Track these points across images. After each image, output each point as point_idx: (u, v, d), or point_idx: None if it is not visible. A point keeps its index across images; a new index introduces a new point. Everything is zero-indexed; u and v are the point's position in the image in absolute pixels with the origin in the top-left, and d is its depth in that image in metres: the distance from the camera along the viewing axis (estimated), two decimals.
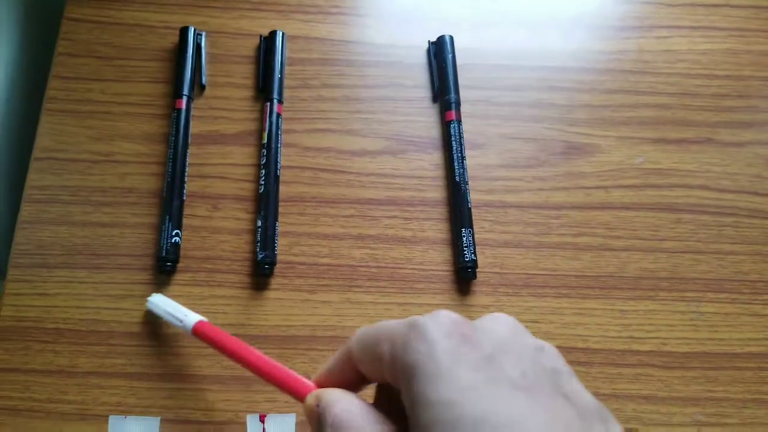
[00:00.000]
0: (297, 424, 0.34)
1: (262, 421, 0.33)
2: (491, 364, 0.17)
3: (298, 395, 0.23)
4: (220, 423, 0.34)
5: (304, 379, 0.23)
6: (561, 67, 0.43)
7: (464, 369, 0.17)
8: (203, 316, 0.36)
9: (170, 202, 0.37)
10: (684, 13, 0.46)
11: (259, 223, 0.37)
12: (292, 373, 0.24)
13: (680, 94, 0.43)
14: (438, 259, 0.38)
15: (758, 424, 0.35)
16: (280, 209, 0.38)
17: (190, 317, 0.31)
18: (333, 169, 0.40)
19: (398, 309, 0.37)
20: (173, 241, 0.36)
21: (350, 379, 0.21)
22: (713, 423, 0.35)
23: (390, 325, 0.19)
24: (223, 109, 0.41)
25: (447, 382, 0.16)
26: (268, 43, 0.42)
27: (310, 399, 0.21)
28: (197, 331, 0.31)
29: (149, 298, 0.34)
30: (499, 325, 0.19)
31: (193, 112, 0.40)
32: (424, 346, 0.17)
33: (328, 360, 0.22)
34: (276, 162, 0.39)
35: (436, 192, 0.39)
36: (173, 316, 0.32)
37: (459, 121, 0.40)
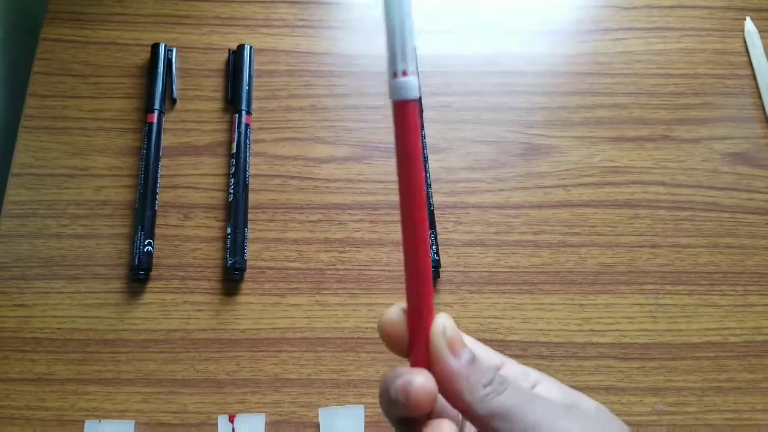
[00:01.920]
0: (266, 423, 0.35)
1: (232, 422, 0.35)
2: None
3: (426, 299, 0.19)
4: (192, 425, 0.35)
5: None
6: (519, 72, 0.45)
7: None
8: (176, 322, 0.37)
9: (142, 213, 0.39)
10: (639, 15, 0.47)
11: (229, 231, 0.39)
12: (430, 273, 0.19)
13: (637, 93, 0.44)
14: (401, 259, 0.39)
15: (717, 411, 0.36)
16: (250, 216, 0.40)
17: (412, 81, 0.17)
18: (301, 176, 0.41)
19: (365, 310, 0.38)
20: (146, 250, 0.38)
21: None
22: (674, 412, 0.36)
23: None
24: (193, 121, 0.43)
25: None
26: (236, 56, 0.43)
27: (465, 353, 0.19)
28: (405, 110, 0.18)
29: None
30: None
31: (164, 125, 0.42)
32: None
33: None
34: (245, 171, 0.40)
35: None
36: (401, 52, 0.17)
37: (421, 127, 0.42)
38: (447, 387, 0.18)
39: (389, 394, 0.18)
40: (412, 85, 0.17)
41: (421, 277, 0.19)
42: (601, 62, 0.45)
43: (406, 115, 0.17)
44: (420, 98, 0.43)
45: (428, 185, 0.40)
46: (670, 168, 0.42)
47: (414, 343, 0.19)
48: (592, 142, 0.43)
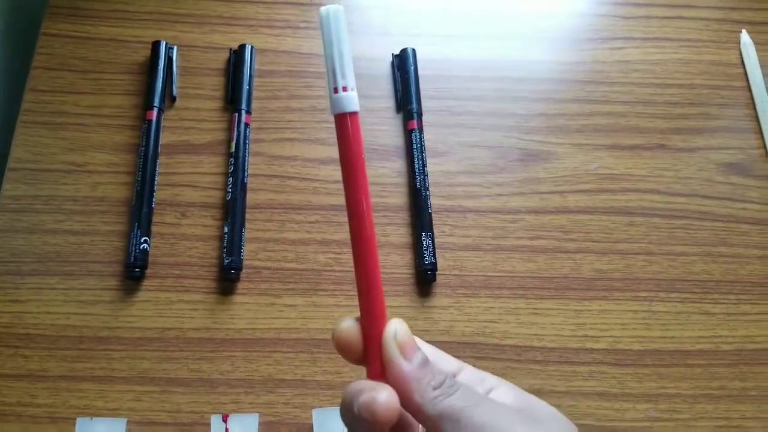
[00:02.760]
0: (260, 424, 0.35)
1: (225, 421, 0.34)
2: None
3: (377, 304, 0.19)
4: (185, 424, 0.35)
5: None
6: (518, 78, 0.45)
7: None
8: (171, 320, 0.37)
9: (139, 210, 0.38)
10: (638, 25, 0.48)
11: (226, 230, 0.38)
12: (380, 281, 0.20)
13: (633, 102, 0.45)
14: (400, 263, 0.39)
15: (708, 419, 0.37)
16: (248, 216, 0.40)
17: (351, 95, 0.19)
18: (299, 177, 0.41)
19: None
20: (142, 247, 0.38)
21: None
22: (666, 418, 0.37)
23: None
24: (193, 119, 0.42)
25: None
26: (237, 56, 0.44)
27: (416, 356, 0.19)
28: (345, 123, 0.19)
29: (326, 9, 0.19)
30: None
31: (164, 123, 0.42)
32: None
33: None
34: (243, 170, 0.40)
35: (399, 198, 0.41)
36: (339, 70, 0.19)
37: (421, 130, 0.42)
38: (399, 389, 0.19)
39: (353, 411, 0.18)
40: (351, 99, 0.19)
41: (371, 284, 0.19)
42: (599, 71, 0.46)
43: (346, 127, 0.19)
44: (420, 103, 0.43)
45: (426, 188, 0.40)
46: (666, 177, 0.43)
47: (370, 350, 0.20)
48: (589, 150, 0.43)
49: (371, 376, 0.20)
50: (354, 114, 0.19)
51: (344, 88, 0.19)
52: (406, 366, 0.19)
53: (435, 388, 0.19)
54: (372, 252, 0.19)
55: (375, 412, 0.18)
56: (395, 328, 0.19)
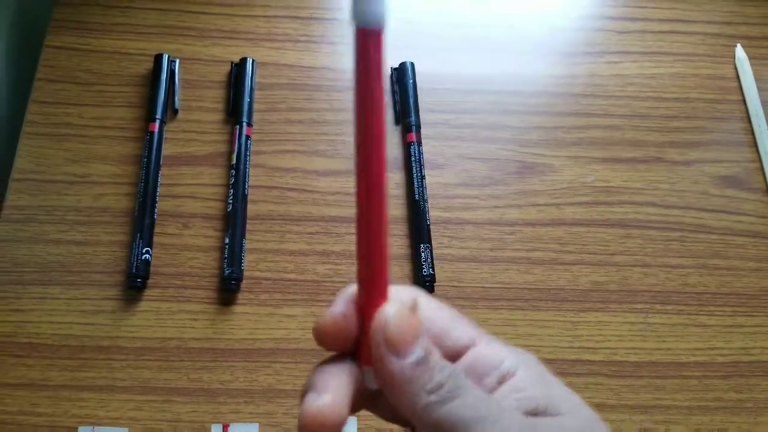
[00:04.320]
0: None
1: (225, 431, 0.35)
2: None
3: (379, 281, 0.16)
4: None
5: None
6: (515, 91, 0.46)
7: None
8: (172, 330, 0.38)
9: (141, 221, 0.39)
10: (634, 40, 0.48)
11: (227, 241, 0.39)
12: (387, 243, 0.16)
13: (630, 115, 0.46)
14: (398, 274, 0.40)
15: (704, 431, 0.37)
16: (248, 227, 0.40)
17: (381, 8, 0.14)
18: (299, 189, 0.42)
19: None
20: (143, 258, 0.38)
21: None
22: (661, 430, 0.37)
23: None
24: (194, 131, 0.43)
25: None
26: (238, 69, 0.44)
27: (413, 351, 0.16)
28: (369, 40, 0.15)
29: None
30: None
31: (166, 135, 0.42)
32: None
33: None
34: (244, 182, 0.41)
35: (397, 210, 0.41)
36: None
37: (419, 143, 0.43)
38: (389, 391, 0.16)
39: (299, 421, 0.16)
40: (380, 13, 0.14)
41: (374, 245, 0.16)
42: (596, 84, 0.46)
43: (373, 47, 0.14)
44: (418, 116, 0.44)
45: (425, 201, 0.41)
46: (662, 189, 0.43)
47: (364, 334, 0.16)
48: (585, 162, 0.44)
49: (363, 363, 0.17)
50: (380, 31, 0.14)
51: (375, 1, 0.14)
52: (395, 365, 0.16)
53: (430, 393, 0.16)
54: (381, 205, 0.16)
55: (303, 421, 0.15)
56: (387, 314, 0.16)
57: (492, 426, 0.15)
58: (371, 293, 0.16)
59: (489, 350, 0.18)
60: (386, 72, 0.15)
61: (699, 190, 0.44)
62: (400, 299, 0.16)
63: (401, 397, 0.16)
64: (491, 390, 0.17)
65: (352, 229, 0.41)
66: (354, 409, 0.17)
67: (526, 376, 0.18)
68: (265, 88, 0.45)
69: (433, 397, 0.16)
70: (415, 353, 0.16)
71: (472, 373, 0.18)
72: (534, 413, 0.17)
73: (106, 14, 0.46)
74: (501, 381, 0.17)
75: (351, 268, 0.40)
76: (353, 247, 0.40)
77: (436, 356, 0.16)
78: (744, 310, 0.40)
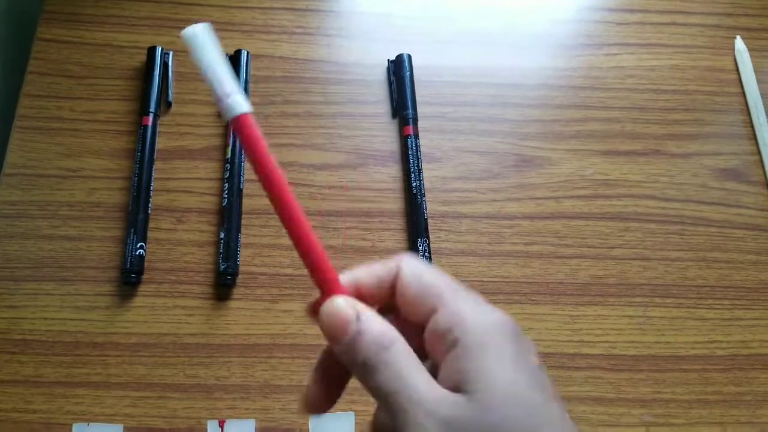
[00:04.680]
0: (256, 429, 0.35)
1: (222, 427, 0.34)
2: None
3: (323, 287, 0.20)
4: (181, 430, 0.35)
5: (335, 273, 0.20)
6: (513, 84, 0.45)
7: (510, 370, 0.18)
8: (167, 326, 0.37)
9: (135, 216, 0.38)
10: (633, 32, 0.48)
11: (222, 235, 0.38)
12: (325, 257, 0.20)
13: (629, 108, 0.45)
14: None
15: (704, 424, 0.37)
16: (244, 221, 0.40)
17: (236, 99, 0.19)
18: (295, 182, 0.41)
19: None
20: (138, 253, 0.38)
21: (376, 298, 0.20)
22: (661, 423, 0.37)
23: (455, 296, 0.19)
24: (188, 125, 0.42)
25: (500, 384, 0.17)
26: (233, 61, 0.44)
27: (347, 309, 0.19)
28: (238, 125, 0.20)
29: (189, 30, 0.20)
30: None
31: (159, 129, 0.42)
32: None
33: (361, 269, 0.21)
34: (239, 176, 0.40)
35: (395, 204, 0.41)
36: (217, 81, 0.20)
37: (416, 136, 0.42)
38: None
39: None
40: (238, 102, 0.19)
41: (311, 264, 0.20)
42: (595, 76, 0.46)
43: (244, 127, 0.19)
44: (415, 109, 0.43)
45: (422, 194, 0.40)
46: (661, 182, 0.43)
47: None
48: (583, 155, 0.43)
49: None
50: (247, 114, 0.19)
51: (227, 95, 0.19)
52: (336, 349, 0.19)
53: (360, 367, 0.19)
54: (306, 230, 0.20)
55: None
56: (320, 314, 0.19)
57: (401, 398, 0.18)
58: (323, 295, 0.20)
59: (446, 318, 0.19)
60: (266, 145, 0.20)
61: (698, 182, 0.43)
62: (340, 295, 0.19)
63: (350, 370, 0.19)
64: (442, 356, 0.19)
65: (349, 223, 0.40)
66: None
67: (464, 347, 0.18)
68: (260, 81, 0.44)
69: (360, 371, 0.19)
70: (344, 340, 0.19)
71: (433, 339, 0.19)
72: (455, 389, 0.18)
73: (98, 6, 0.45)
74: (447, 350, 0.19)
75: (347, 261, 0.39)
76: (351, 242, 0.40)
77: (367, 337, 0.19)
78: (743, 303, 0.40)
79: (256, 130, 0.19)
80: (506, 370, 0.18)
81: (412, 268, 0.20)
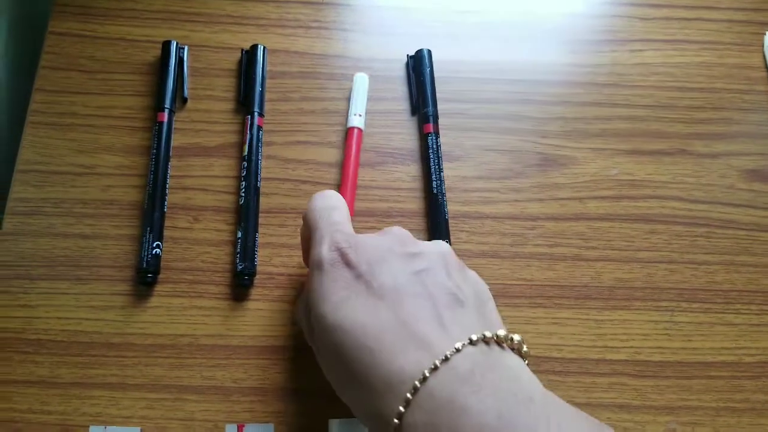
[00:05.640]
0: None
1: (240, 431, 0.34)
2: (359, 280, 0.25)
3: None
4: None
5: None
6: (535, 81, 0.44)
7: (338, 288, 0.25)
8: (184, 326, 0.37)
9: (151, 214, 0.38)
10: (658, 27, 0.46)
11: (239, 235, 0.38)
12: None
13: (654, 106, 0.44)
14: None
15: None
16: (261, 220, 0.39)
17: (358, 118, 0.40)
18: (313, 181, 0.41)
19: None
20: (154, 252, 0.37)
21: None
22: (687, 431, 0.36)
23: (320, 227, 0.29)
24: (204, 121, 0.42)
25: (325, 300, 0.25)
26: (249, 56, 0.43)
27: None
28: (350, 133, 0.40)
29: (360, 74, 0.43)
30: (384, 241, 0.27)
31: (175, 125, 0.41)
32: (317, 274, 0.27)
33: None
34: (256, 174, 0.39)
35: (414, 203, 0.40)
36: (354, 103, 0.40)
37: (437, 134, 0.41)
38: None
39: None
40: (358, 120, 0.40)
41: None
42: (619, 73, 0.45)
43: (350, 137, 0.39)
44: (435, 106, 0.42)
45: (443, 194, 0.39)
46: (687, 183, 0.42)
47: None
48: (608, 155, 0.42)
49: None
50: (358, 129, 0.39)
51: (358, 114, 0.39)
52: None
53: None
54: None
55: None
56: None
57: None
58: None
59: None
60: (357, 154, 0.37)
61: (726, 184, 0.42)
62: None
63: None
64: None
65: (367, 223, 0.40)
66: None
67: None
68: (276, 77, 0.43)
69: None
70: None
71: None
72: None
73: None
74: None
75: None
76: None
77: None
78: None
79: (357, 142, 0.39)
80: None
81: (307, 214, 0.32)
